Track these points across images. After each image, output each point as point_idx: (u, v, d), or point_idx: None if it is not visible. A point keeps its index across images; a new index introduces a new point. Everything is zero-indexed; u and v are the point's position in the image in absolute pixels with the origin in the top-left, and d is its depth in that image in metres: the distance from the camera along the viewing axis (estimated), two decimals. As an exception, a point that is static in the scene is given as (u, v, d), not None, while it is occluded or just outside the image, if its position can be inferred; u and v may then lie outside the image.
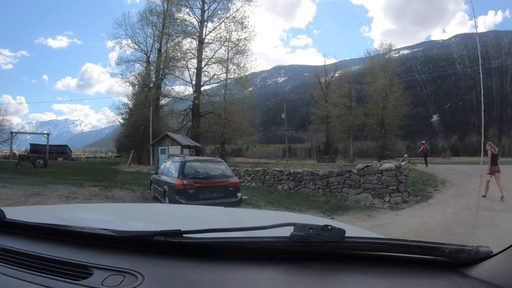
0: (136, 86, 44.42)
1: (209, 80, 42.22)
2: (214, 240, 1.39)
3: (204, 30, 42.06)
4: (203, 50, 41.49)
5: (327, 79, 55.27)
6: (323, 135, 54.63)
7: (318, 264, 1.29)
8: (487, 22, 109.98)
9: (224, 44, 41.19)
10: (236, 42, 41.08)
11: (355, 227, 2.20)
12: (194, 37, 41.68)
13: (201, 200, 9.42)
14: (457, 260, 1.26)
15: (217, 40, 41.52)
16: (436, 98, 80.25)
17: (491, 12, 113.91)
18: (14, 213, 1.78)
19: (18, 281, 1.21)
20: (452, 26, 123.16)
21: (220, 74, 41.73)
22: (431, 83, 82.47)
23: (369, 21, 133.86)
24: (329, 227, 1.30)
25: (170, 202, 9.72)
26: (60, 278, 1.20)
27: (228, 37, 41.12)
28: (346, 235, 1.29)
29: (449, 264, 1.27)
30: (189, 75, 42.30)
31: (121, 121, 48.29)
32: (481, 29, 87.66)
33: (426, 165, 26.10)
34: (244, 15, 41.44)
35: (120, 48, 46.13)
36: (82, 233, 1.48)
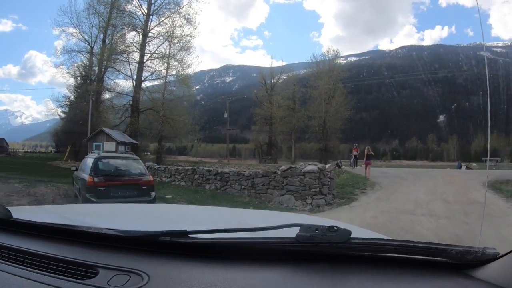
0: (78, 78, 41.97)
1: (151, 75, 40.90)
2: (219, 241, 1.38)
3: (149, 23, 40.58)
4: (146, 45, 40.07)
5: (273, 80, 55.61)
6: (266, 135, 54.87)
7: (324, 265, 1.27)
8: (433, 36, 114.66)
9: (168, 39, 40.06)
10: (180, 38, 40.01)
11: (361, 228, 2.18)
12: (139, 30, 40.26)
13: (112, 199, 8.96)
14: (463, 261, 1.23)
15: (161, 35, 40.30)
16: (380, 104, 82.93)
17: (438, 27, 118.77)
18: (21, 213, 1.77)
19: (24, 280, 1.20)
20: (400, 37, 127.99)
21: (162, 70, 40.41)
22: (376, 90, 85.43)
23: (320, 27, 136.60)
24: (335, 228, 1.27)
25: (82, 200, 9.36)
26: (66, 278, 1.19)
27: (171, 31, 39.95)
28: (352, 236, 1.25)
29: (455, 265, 1.25)
30: (130, 69, 40.54)
31: (61, 114, 46.13)
32: (427, 42, 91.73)
33: (354, 167, 26.53)
34: (191, 11, 40.49)
35: (65, 37, 43.42)
36: (88, 233, 1.47)
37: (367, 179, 18.19)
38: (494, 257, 1.21)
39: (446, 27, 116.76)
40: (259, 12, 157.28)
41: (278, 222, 1.43)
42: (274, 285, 1.18)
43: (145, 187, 9.73)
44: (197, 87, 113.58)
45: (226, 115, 56.33)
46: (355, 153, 28.71)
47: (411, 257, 1.28)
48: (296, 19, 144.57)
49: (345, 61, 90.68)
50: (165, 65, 40.47)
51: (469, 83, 76.67)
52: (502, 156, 59.13)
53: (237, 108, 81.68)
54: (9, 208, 1.69)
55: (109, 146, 28.01)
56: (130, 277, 1.19)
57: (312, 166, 12.74)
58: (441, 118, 76.18)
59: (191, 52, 41.13)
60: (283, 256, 1.32)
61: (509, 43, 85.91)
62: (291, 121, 51.38)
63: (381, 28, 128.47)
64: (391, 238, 1.53)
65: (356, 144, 30.04)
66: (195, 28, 41.02)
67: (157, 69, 40.59)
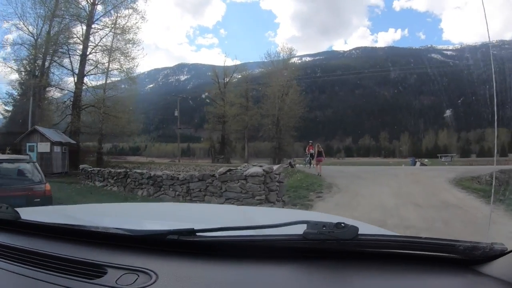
0: (23, 73, 38.22)
1: (93, 68, 37.05)
2: (227, 239, 1.37)
3: (94, 13, 37.24)
4: (91, 36, 36.85)
5: (226, 78, 53.59)
6: (219, 134, 53.00)
7: (332, 262, 1.27)
8: (387, 38, 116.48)
9: (113, 31, 37.00)
10: (125, 29, 37.08)
11: (368, 225, 2.05)
12: (84, 20, 36.83)
13: None
14: (471, 257, 1.23)
15: (106, 26, 37.18)
16: (333, 103, 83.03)
17: (391, 30, 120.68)
18: (29, 214, 1.78)
19: (33, 280, 1.21)
20: (354, 39, 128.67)
21: (105, 63, 37.21)
22: (329, 89, 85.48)
23: (276, 26, 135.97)
24: (342, 224, 1.27)
25: None
26: (75, 277, 1.20)
27: (115, 22, 37.00)
28: (359, 232, 1.25)
29: (463, 261, 1.25)
30: (71, 62, 36.83)
31: (3, 112, 42.08)
32: (381, 43, 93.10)
33: (310, 166, 25.03)
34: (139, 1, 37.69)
35: (8, 29, 39.20)
36: (96, 233, 1.48)
37: (319, 175, 18.06)
38: (502, 253, 1.20)
39: (399, 30, 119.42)
40: (215, 10, 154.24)
41: (285, 219, 1.41)
42: (282, 283, 1.19)
43: (38, 200, 7.65)
44: (151, 85, 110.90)
45: (176, 113, 53.56)
46: (311, 151, 26.16)
47: (419, 253, 1.26)
48: (252, 19, 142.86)
49: (300, 61, 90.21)
50: (109, 58, 37.19)
51: (420, 84, 78.89)
52: (453, 151, 60.72)
53: (191, 107, 79.73)
54: (18, 209, 1.70)
55: (43, 147, 25.49)
56: (138, 276, 1.18)
57: (256, 168, 10.95)
58: (394, 116, 77.59)
59: (137, 45, 38.17)
60: (291, 254, 1.30)
61: (459, 47, 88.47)
62: (244, 119, 49.71)
63: (336, 29, 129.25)
64: (398, 234, 1.51)
65: (311, 142, 27.66)
66: (142, 17, 37.99)
67: (99, 62, 37.05)
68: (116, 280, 1.15)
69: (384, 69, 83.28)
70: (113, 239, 1.42)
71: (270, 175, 10.93)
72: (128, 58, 37.27)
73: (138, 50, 38.31)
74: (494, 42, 79.68)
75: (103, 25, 37.41)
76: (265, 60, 55.34)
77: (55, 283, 1.16)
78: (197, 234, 1.35)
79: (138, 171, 14.72)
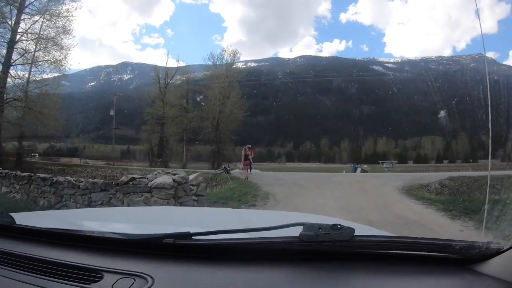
0: None
1: (20, 57, 33.79)
2: (223, 242, 1.38)
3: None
4: (21, 22, 33.65)
5: (168, 80, 51.14)
6: (158, 136, 50.47)
7: (328, 264, 1.28)
8: (331, 48, 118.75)
9: (43, 17, 34.02)
10: (56, 14, 34.22)
11: (365, 226, 2.13)
12: (16, 4, 33.55)
13: None
14: (467, 256, 1.25)
15: (38, 12, 34.08)
16: (276, 109, 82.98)
17: (336, 41, 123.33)
18: (24, 219, 1.76)
19: (29, 286, 1.21)
20: (299, 47, 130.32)
21: (31, 52, 33.99)
22: (273, 95, 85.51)
23: (223, 30, 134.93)
24: (339, 226, 1.29)
25: None
26: (71, 282, 1.21)
27: (47, 5, 34.16)
28: (355, 233, 1.26)
29: (459, 261, 1.27)
30: None
31: None
32: (325, 53, 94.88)
33: (249, 172, 23.03)
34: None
35: None
36: (91, 237, 1.48)
37: (247, 179, 18.10)
38: (498, 252, 1.21)
39: (344, 41, 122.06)
40: (164, 10, 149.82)
41: (281, 221, 1.42)
42: (279, 285, 1.19)
43: None
44: (92, 83, 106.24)
45: (112, 113, 50.86)
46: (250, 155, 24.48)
47: (415, 253, 1.27)
48: (200, 21, 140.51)
49: (244, 66, 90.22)
50: (39, 46, 33.94)
51: (361, 93, 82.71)
52: (390, 158, 62.28)
53: (133, 107, 76.90)
54: (12, 214, 1.69)
55: None
56: (134, 280, 1.19)
57: (164, 178, 9.18)
58: (334, 123, 78.59)
59: (69, 34, 35.46)
60: (287, 256, 1.31)
61: (399, 60, 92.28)
62: (183, 121, 47.89)
63: (283, 37, 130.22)
64: (394, 235, 1.52)
65: (250, 146, 25.35)
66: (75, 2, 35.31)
67: (27, 50, 33.87)
68: (113, 285, 1.16)
69: (327, 77, 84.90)
70: (109, 243, 1.42)
71: (184, 187, 9.44)
72: (57, 47, 34.46)
73: (69, 39, 34.84)
74: (433, 57, 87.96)
75: (35, 10, 34.36)
76: (209, 63, 53.46)
77: None
78: (193, 237, 1.35)
79: (42, 175, 12.64)
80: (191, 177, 10.25)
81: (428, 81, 76.87)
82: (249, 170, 22.46)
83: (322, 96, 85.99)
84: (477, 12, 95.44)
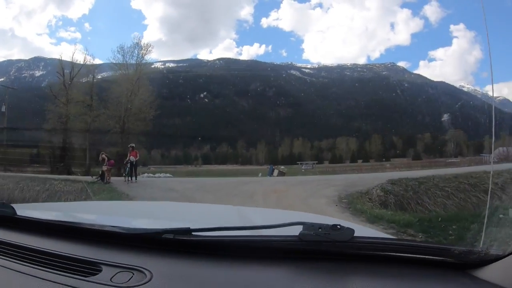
0: None
1: None
2: (223, 239, 1.38)
3: None
4: None
5: (72, 73, 44.60)
6: (60, 137, 44.55)
7: (327, 264, 1.28)
8: (251, 52, 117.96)
9: None
10: None
11: (364, 227, 2.29)
12: None
13: None
14: (466, 261, 1.25)
15: None
16: (193, 111, 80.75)
17: (256, 45, 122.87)
18: (25, 210, 1.81)
19: (28, 277, 1.21)
20: (219, 49, 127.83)
21: None
22: (190, 97, 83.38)
23: (143, 28, 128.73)
24: (338, 226, 1.29)
25: None
26: (69, 274, 1.21)
27: None
28: (355, 234, 1.28)
29: (458, 265, 1.26)
30: None
31: None
32: (244, 56, 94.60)
33: (132, 179, 19.79)
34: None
35: None
36: (92, 230, 1.49)
37: (108, 182, 17.30)
38: (498, 257, 1.20)
39: (263, 46, 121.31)
40: (83, 2, 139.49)
41: (281, 220, 1.42)
42: (277, 284, 1.19)
43: None
44: (1, 79, 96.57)
45: (3, 109, 44.53)
46: (132, 158, 20.31)
47: (414, 257, 1.27)
48: (120, 16, 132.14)
49: (163, 66, 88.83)
50: None
51: (278, 96, 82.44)
52: (306, 159, 60.98)
53: (43, 107, 70.40)
54: (13, 205, 1.72)
55: None
56: (133, 274, 1.19)
57: None
58: (251, 125, 77.86)
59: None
60: (286, 255, 1.31)
61: (316, 66, 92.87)
62: (87, 120, 42.28)
63: (204, 38, 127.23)
64: (394, 237, 1.57)
65: (133, 145, 21.46)
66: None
67: None
68: (111, 278, 1.16)
69: (245, 80, 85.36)
70: (109, 237, 1.42)
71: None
72: None
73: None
74: (348, 65, 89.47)
75: None
76: (119, 56, 47.62)
77: (50, 279, 1.15)
78: (193, 233, 1.35)
79: None
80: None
81: (343, 86, 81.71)
82: (133, 178, 19.69)
83: (239, 98, 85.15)
84: (392, 25, 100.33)
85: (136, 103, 42.48)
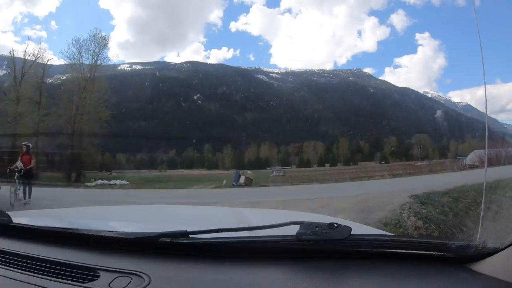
0: None
1: None
2: (220, 240, 1.35)
3: None
4: None
5: (24, 68, 38.68)
6: (9, 140, 35.21)
7: (325, 262, 1.25)
8: (219, 55, 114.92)
9: None
10: None
11: (361, 225, 2.03)
12: None
13: None
14: (464, 256, 1.22)
15: None
16: (160, 114, 77.59)
17: (224, 48, 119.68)
18: (21, 218, 1.76)
19: (26, 285, 1.18)
20: (187, 52, 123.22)
21: None
22: (157, 100, 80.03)
23: (111, 29, 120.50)
24: (335, 224, 1.26)
25: None
26: (67, 281, 1.17)
27: None
28: (352, 232, 1.25)
29: (456, 260, 1.23)
30: None
31: None
32: (212, 60, 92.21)
33: (22, 196, 12.58)
34: None
35: None
36: (88, 236, 1.44)
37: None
38: (495, 251, 1.18)
39: (231, 50, 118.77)
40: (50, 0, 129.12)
41: (277, 220, 1.38)
42: (276, 284, 1.15)
43: None
44: None
45: None
46: (20, 165, 12.52)
47: (412, 252, 1.25)
48: (88, 16, 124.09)
49: (129, 68, 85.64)
50: None
51: (245, 100, 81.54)
52: (273, 163, 59.93)
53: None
54: (9, 213, 1.64)
55: None
56: (131, 279, 1.15)
57: None
58: (218, 129, 75.38)
59: None
60: (284, 254, 1.28)
61: (283, 71, 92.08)
62: (34, 119, 36.16)
63: (172, 41, 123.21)
64: (391, 234, 1.50)
65: (29, 145, 13.93)
66: None
67: None
68: (109, 284, 1.12)
69: (213, 84, 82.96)
70: (106, 242, 1.38)
71: None
72: None
73: None
74: (315, 70, 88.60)
75: None
76: (73, 49, 40.72)
77: (48, 287, 1.12)
78: (190, 236, 1.31)
79: None
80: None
81: (310, 91, 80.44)
82: (26, 196, 12.75)
83: (206, 102, 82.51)
84: (359, 32, 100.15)
85: (89, 101, 37.19)
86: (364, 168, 43.65)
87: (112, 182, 33.27)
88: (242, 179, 28.62)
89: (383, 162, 60.66)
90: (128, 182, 33.24)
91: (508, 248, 1.13)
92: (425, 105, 79.35)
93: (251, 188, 25.63)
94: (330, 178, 29.40)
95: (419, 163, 53.64)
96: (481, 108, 67.63)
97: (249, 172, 36.36)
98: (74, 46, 40.57)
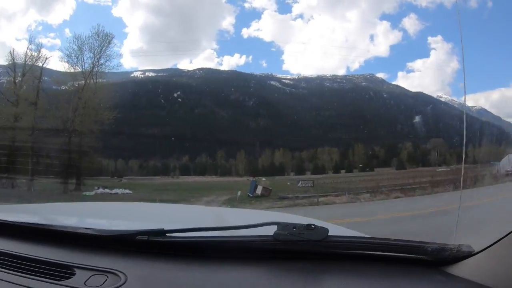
0: None
1: None
2: (197, 239, 1.32)
3: None
4: None
5: (24, 69, 36.54)
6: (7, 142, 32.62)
7: (302, 263, 1.25)
8: (231, 62, 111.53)
9: None
10: None
11: (338, 226, 2.01)
12: None
13: None
14: (439, 258, 1.22)
15: None
16: (173, 120, 74.42)
17: (236, 55, 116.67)
18: None
19: (0, 282, 1.13)
20: (200, 59, 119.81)
21: None
22: (169, 107, 77.25)
23: (124, 36, 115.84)
24: (313, 226, 1.26)
25: None
26: (43, 278, 1.13)
27: None
28: (329, 234, 1.24)
29: (431, 262, 1.23)
30: None
31: None
32: (225, 67, 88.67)
33: None
34: None
35: None
36: (64, 233, 1.39)
37: None
38: (470, 254, 1.19)
39: (244, 56, 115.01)
40: (65, 8, 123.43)
41: (256, 220, 1.36)
42: (253, 283, 1.16)
43: None
44: None
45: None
46: None
47: (389, 254, 1.24)
48: (101, 24, 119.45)
49: (143, 75, 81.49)
50: None
51: (258, 107, 77.21)
52: (287, 169, 58.43)
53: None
54: None
55: None
56: (107, 277, 1.12)
57: None
58: (231, 136, 71.86)
59: None
60: (261, 254, 1.27)
61: (296, 77, 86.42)
62: (30, 120, 31.92)
63: (184, 48, 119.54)
64: (368, 236, 1.47)
65: None
66: None
67: None
68: (85, 282, 1.09)
69: (225, 91, 79.38)
70: (82, 239, 1.33)
71: None
72: None
73: None
74: (328, 76, 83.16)
75: None
76: (74, 47, 36.63)
77: (22, 284, 1.07)
78: (167, 234, 1.28)
79: None
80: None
81: (323, 97, 76.65)
82: None
83: (219, 109, 78.28)
84: (372, 37, 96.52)
85: (90, 101, 32.86)
86: (411, 176, 38.05)
87: (114, 191, 29.03)
88: (259, 190, 23.89)
89: (399, 168, 57.16)
90: (131, 192, 28.95)
91: (482, 252, 1.13)
92: (440, 109, 75.00)
93: (292, 208, 19.12)
94: (374, 190, 23.89)
95: (440, 169, 48.83)
96: (496, 112, 64.50)
97: (264, 179, 31.45)
98: (75, 44, 36.54)
